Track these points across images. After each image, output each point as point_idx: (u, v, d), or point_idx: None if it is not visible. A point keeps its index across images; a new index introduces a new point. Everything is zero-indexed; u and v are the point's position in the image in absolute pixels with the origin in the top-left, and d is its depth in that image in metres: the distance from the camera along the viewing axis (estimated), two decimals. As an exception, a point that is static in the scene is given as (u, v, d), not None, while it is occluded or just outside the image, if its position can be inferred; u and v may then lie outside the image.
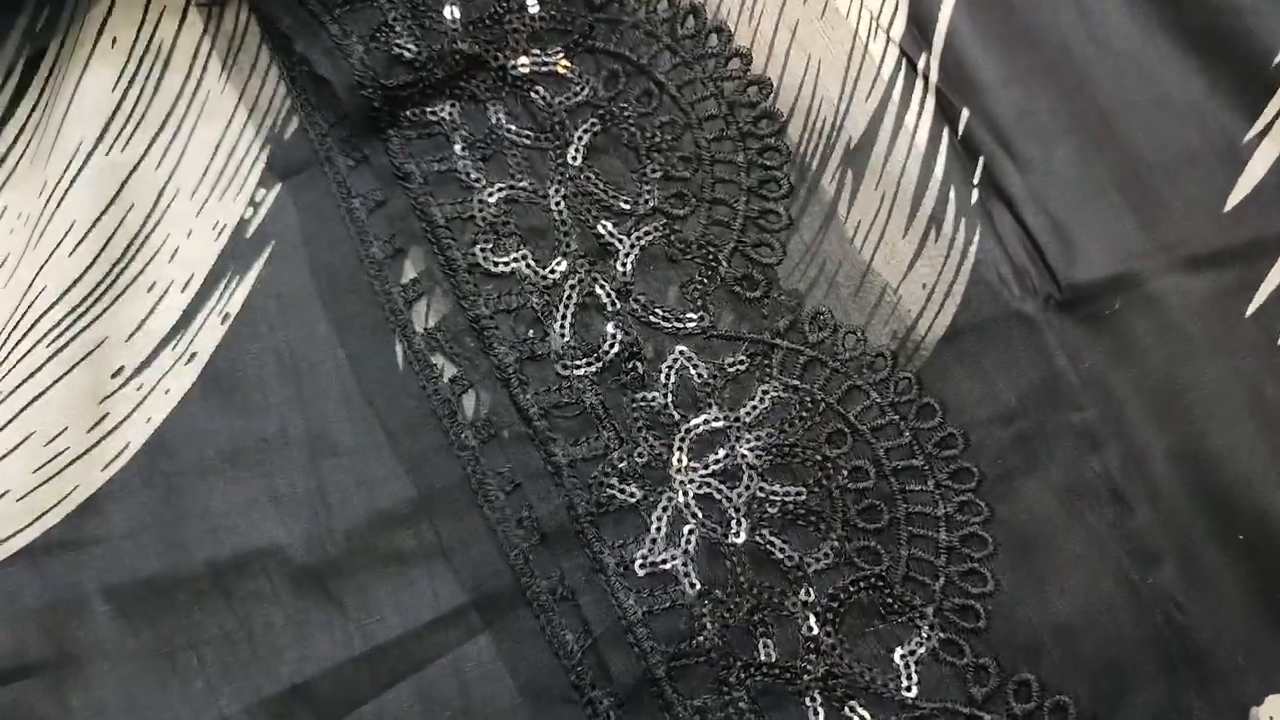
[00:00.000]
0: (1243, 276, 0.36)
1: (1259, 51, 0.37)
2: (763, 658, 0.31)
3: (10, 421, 0.32)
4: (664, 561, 0.32)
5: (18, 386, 0.33)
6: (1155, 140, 0.37)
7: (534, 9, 0.36)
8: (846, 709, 0.31)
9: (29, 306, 0.33)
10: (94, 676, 0.31)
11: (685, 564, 0.32)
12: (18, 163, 0.36)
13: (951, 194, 0.36)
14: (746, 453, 0.33)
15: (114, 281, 0.34)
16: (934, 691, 0.31)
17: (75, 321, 0.34)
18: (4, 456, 0.32)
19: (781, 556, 0.32)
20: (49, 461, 0.32)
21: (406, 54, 0.35)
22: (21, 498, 0.32)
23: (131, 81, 0.36)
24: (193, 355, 0.34)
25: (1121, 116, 0.37)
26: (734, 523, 0.32)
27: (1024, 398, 0.34)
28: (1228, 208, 0.37)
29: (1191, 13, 0.37)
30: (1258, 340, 0.35)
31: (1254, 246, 0.36)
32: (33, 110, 0.36)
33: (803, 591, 0.32)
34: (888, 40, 0.37)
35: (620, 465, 0.33)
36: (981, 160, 0.36)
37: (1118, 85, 0.37)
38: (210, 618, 0.31)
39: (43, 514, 0.32)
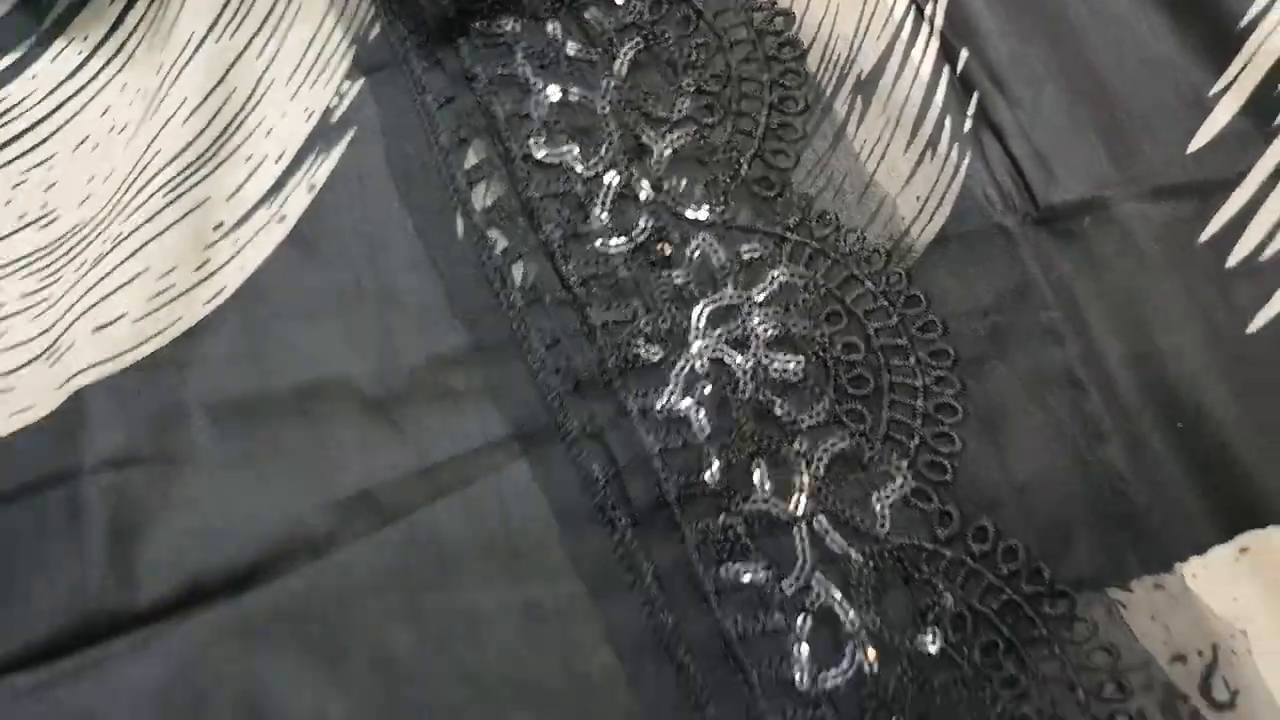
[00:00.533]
0: (1198, 208, 0.41)
1: (1227, 15, 0.42)
2: (759, 493, 0.37)
3: (132, 255, 0.38)
4: (680, 410, 0.37)
5: (139, 228, 0.38)
6: (1131, 88, 0.42)
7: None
8: (828, 540, 0.36)
9: (147, 164, 0.39)
10: (190, 475, 0.36)
11: (697, 413, 0.37)
12: (137, 47, 0.42)
13: (948, 122, 0.41)
14: (755, 326, 0.38)
15: (218, 150, 0.40)
16: (904, 530, 0.36)
17: (185, 180, 0.39)
18: (125, 285, 0.38)
19: (780, 413, 0.38)
20: (160, 294, 0.38)
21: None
22: (137, 320, 0.37)
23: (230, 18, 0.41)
24: (283, 217, 0.39)
25: (1103, 66, 0.42)
26: (741, 383, 0.38)
27: (999, 296, 0.39)
28: (1190, 150, 0.42)
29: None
30: (1207, 262, 0.40)
31: (1210, 184, 0.41)
32: (151, 3, 0.42)
33: (796, 442, 0.37)
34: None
35: (646, 329, 0.38)
36: (976, 95, 0.42)
37: (1102, 39, 0.43)
38: (290, 433, 0.37)
39: (153, 336, 0.37)
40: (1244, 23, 0.42)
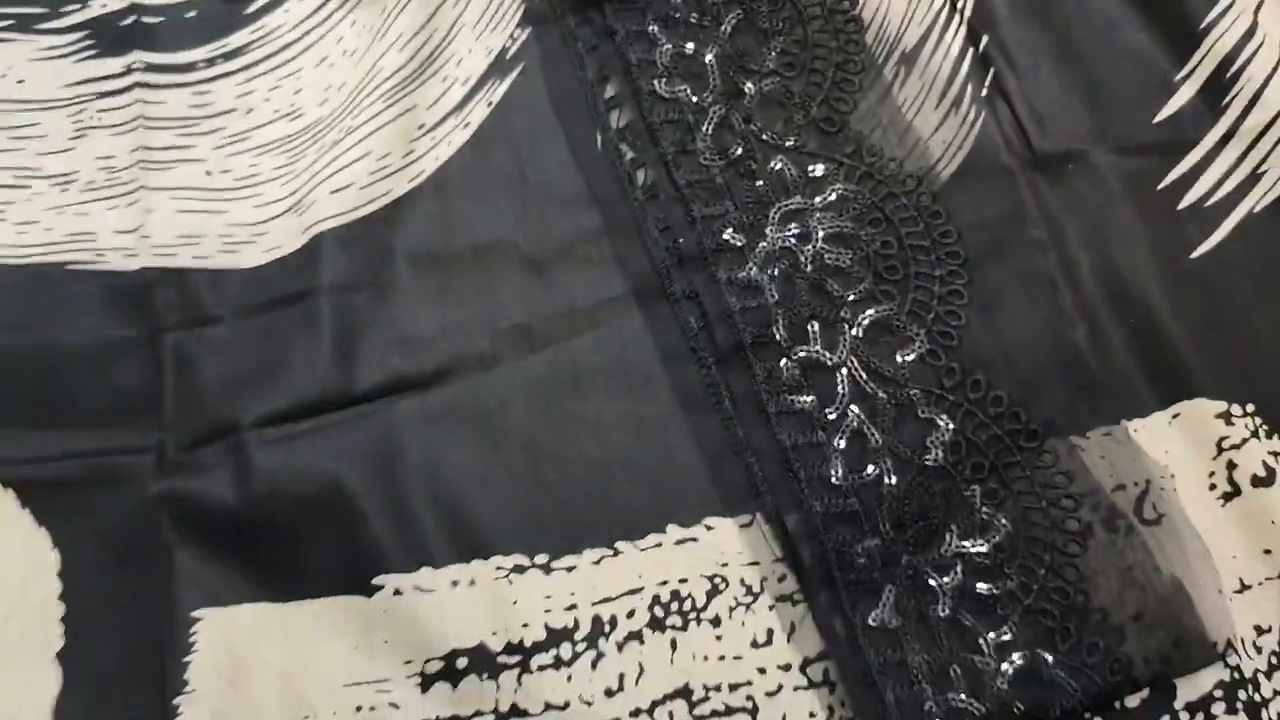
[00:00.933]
0: (1159, 164, 0.54)
1: (1191, 18, 0.55)
2: (812, 345, 0.49)
3: (359, 143, 0.51)
4: (756, 281, 0.50)
5: (364, 123, 0.52)
6: (1111, 69, 0.55)
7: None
8: (859, 380, 0.49)
9: (372, 79, 0.53)
10: (394, 300, 0.49)
11: (769, 285, 0.50)
12: (362, -5, 0.55)
13: (969, 88, 0.54)
14: (815, 224, 0.51)
15: (422, 72, 0.53)
16: (918, 379, 0.49)
17: (398, 92, 0.53)
18: (353, 163, 0.51)
19: (831, 289, 0.50)
20: (377, 171, 0.51)
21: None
22: (362, 188, 0.51)
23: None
24: (467, 124, 0.53)
25: (1090, 52, 0.55)
26: (803, 264, 0.51)
27: (1001, 216, 0.52)
28: (1155, 120, 0.54)
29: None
30: (1163, 204, 0.53)
31: (1170, 146, 0.54)
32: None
33: (842, 311, 0.50)
34: (940, -16, 0.56)
35: (734, 221, 0.51)
36: (992, 70, 0.55)
37: (1089, 31, 0.56)
38: (467, 278, 0.50)
39: (372, 201, 0.51)
40: (1204, 25, 0.55)
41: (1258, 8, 0.56)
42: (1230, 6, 0.56)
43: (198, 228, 0.51)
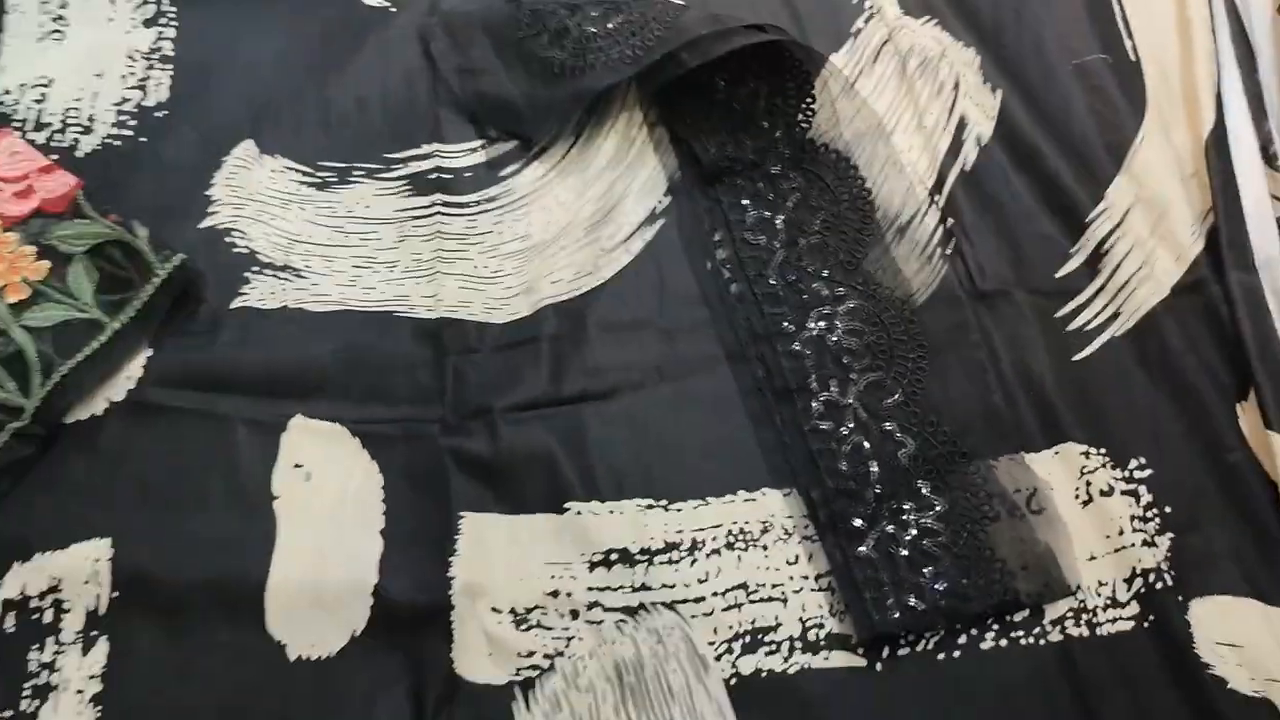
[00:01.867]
0: (1057, 303, 0.86)
1: (1078, 211, 0.89)
2: (831, 391, 0.82)
3: (568, 256, 0.86)
4: (799, 352, 0.83)
5: (569, 245, 0.87)
6: (1029, 244, 0.88)
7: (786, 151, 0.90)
8: (860, 415, 0.81)
9: (575, 218, 0.88)
10: (586, 347, 0.83)
11: (808, 355, 0.83)
12: (569, 169, 0.91)
13: (938, 250, 0.88)
14: (838, 323, 0.85)
15: (605, 218, 0.88)
16: (896, 417, 0.81)
17: (591, 228, 0.87)
18: (564, 268, 0.86)
19: (845, 361, 0.83)
20: (576, 274, 0.86)
21: (731, 160, 0.89)
22: (568, 283, 0.85)
23: (615, 156, 0.91)
24: (630, 251, 0.87)
25: (1016, 231, 0.89)
26: (828, 345, 0.84)
27: (953, 326, 0.84)
28: (1056, 275, 0.88)
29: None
30: (1056, 327, 0.85)
31: (1064, 293, 0.87)
32: (577, 148, 0.92)
33: (851, 374, 0.83)
34: (932, 204, 0.90)
35: (788, 317, 0.84)
36: (953, 240, 0.88)
37: (1016, 217, 0.90)
38: (627, 339, 0.83)
39: (573, 291, 0.85)
40: (1088, 219, 0.89)
41: (1127, 211, 0.90)
42: (1108, 209, 0.90)
43: (470, 298, 0.85)
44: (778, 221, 0.89)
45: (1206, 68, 0.93)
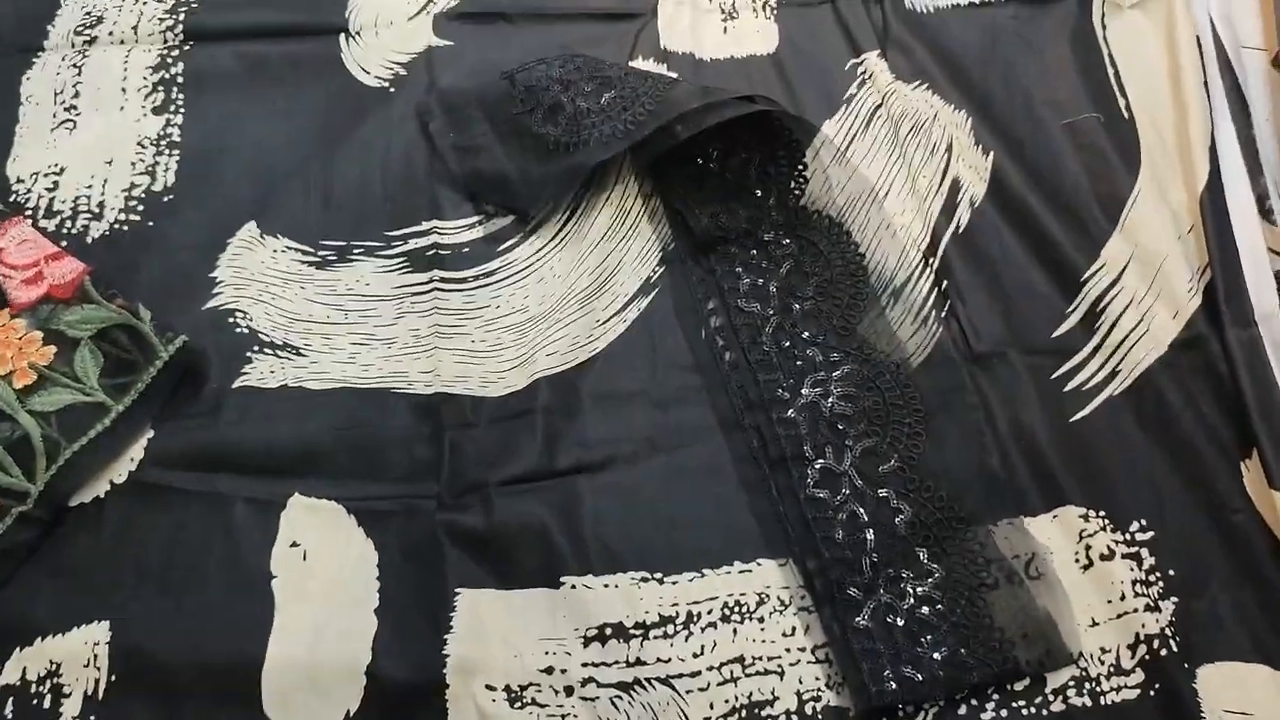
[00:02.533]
0: (1054, 362, 0.86)
1: (1072, 271, 0.89)
2: (828, 459, 0.82)
3: (564, 328, 0.87)
4: (792, 419, 0.83)
5: (565, 316, 0.88)
6: (1024, 303, 0.88)
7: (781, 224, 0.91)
8: (855, 482, 0.81)
9: (571, 290, 0.89)
10: (579, 419, 0.84)
11: (803, 422, 0.83)
12: (567, 241, 0.92)
13: (933, 312, 0.88)
14: (833, 389, 0.85)
15: (600, 289, 0.89)
16: (892, 483, 0.81)
17: (586, 299, 0.88)
18: (559, 339, 0.87)
19: (840, 427, 0.83)
20: (571, 345, 0.87)
21: (724, 229, 0.90)
22: (563, 354, 0.86)
23: (610, 228, 0.92)
24: (625, 321, 0.88)
25: (1011, 290, 0.89)
26: (823, 411, 0.84)
27: (949, 389, 0.84)
28: (1052, 335, 0.87)
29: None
30: (1053, 387, 0.85)
31: (1061, 352, 0.86)
32: (574, 221, 0.93)
33: (846, 440, 0.82)
34: (929, 273, 0.91)
35: (783, 384, 0.85)
36: (948, 302, 0.88)
37: (1010, 276, 0.90)
38: (620, 410, 0.84)
39: (568, 362, 0.86)
40: (1084, 277, 0.89)
41: (1123, 269, 0.90)
42: (1103, 266, 0.89)
43: (467, 372, 0.86)
44: (771, 288, 0.89)
45: (1201, 123, 0.93)
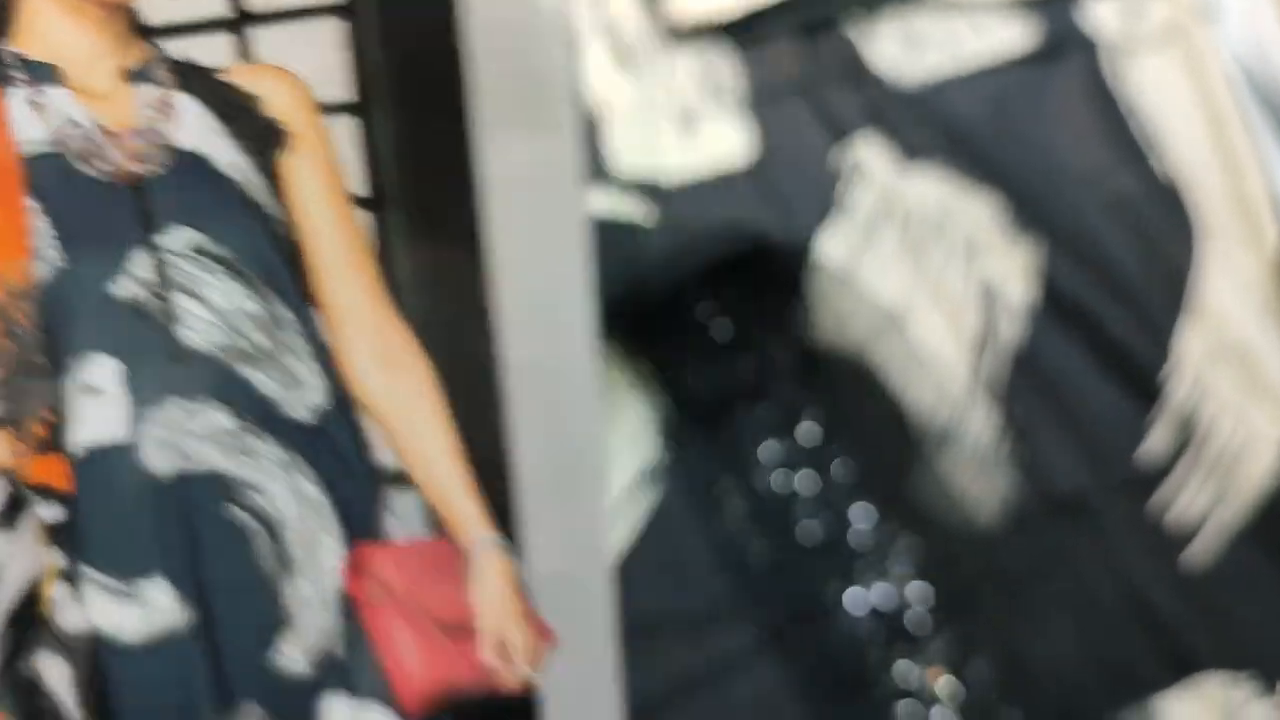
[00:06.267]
0: (1144, 492, 0.72)
1: (1148, 373, 0.75)
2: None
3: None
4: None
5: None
6: (1096, 422, 0.75)
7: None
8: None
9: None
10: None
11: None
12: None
13: (992, 458, 0.74)
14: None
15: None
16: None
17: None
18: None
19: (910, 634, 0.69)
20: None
21: (728, 389, 0.77)
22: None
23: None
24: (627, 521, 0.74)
25: (1077, 412, 0.75)
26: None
27: (1030, 552, 0.70)
28: (1138, 454, 0.73)
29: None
30: (1148, 520, 0.71)
31: (1146, 480, 0.72)
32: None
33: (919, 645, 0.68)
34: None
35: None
36: (1010, 439, 0.75)
37: (1075, 397, 0.76)
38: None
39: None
40: (1158, 378, 0.75)
41: (1202, 364, 0.76)
42: (1177, 364, 0.76)
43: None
44: (795, 456, 0.75)
45: (1256, 175, 0.80)
